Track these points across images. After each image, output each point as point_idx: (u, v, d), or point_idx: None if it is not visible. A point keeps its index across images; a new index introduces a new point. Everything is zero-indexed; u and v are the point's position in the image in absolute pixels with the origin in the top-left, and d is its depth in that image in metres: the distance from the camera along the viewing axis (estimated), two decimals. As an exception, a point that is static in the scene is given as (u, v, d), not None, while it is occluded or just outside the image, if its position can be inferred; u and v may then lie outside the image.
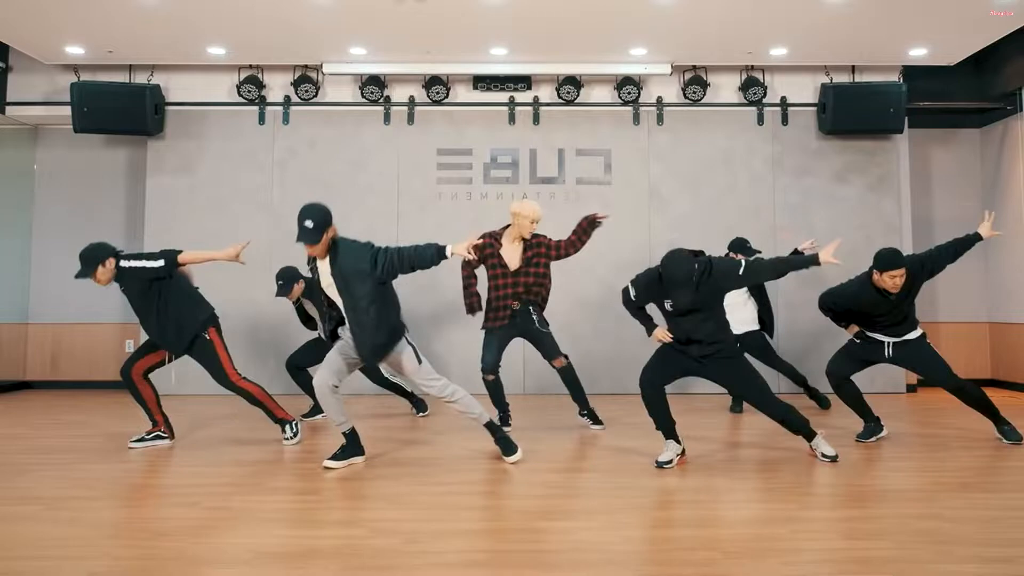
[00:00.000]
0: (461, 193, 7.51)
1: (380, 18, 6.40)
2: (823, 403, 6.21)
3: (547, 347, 5.25)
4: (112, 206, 7.87)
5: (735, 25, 6.61)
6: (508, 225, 5.28)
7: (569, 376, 5.33)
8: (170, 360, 4.87)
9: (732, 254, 5.94)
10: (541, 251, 5.22)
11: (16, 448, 4.90)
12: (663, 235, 7.37)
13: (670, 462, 4.18)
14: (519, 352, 7.13)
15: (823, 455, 4.27)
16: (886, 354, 4.90)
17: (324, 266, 4.05)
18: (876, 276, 4.57)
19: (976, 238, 4.78)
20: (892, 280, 4.51)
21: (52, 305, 7.74)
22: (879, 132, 7.49)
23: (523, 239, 5.21)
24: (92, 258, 4.50)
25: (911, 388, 7.49)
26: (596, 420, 5.43)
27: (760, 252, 6.07)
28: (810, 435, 4.28)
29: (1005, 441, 4.81)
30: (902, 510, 3.41)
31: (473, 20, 6.45)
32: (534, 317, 5.23)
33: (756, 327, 6.04)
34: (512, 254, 5.21)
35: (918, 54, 7.23)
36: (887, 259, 4.51)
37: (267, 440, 5.01)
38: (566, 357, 5.30)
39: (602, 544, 2.98)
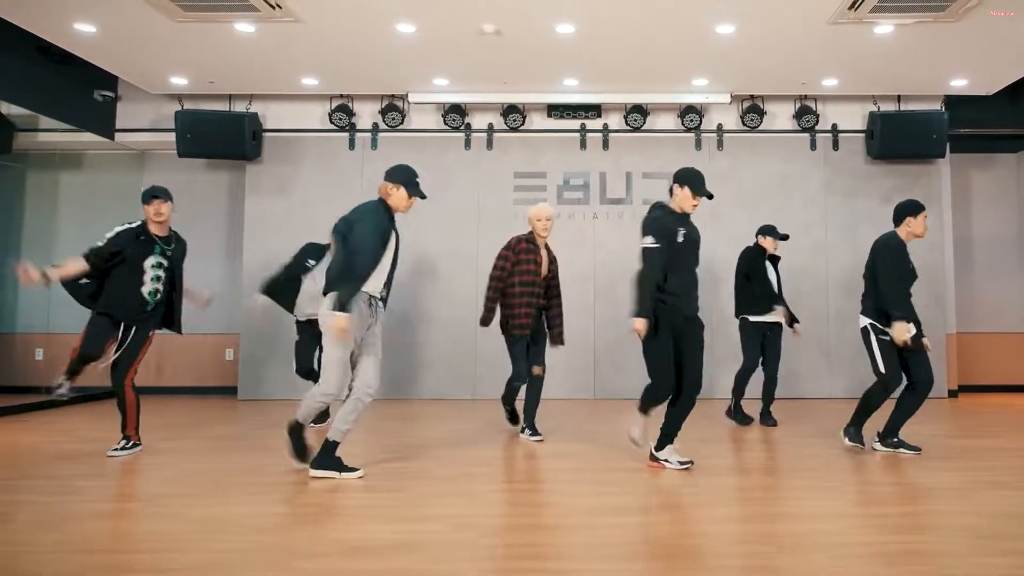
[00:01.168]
0: (536, 213, 8.12)
1: (462, 51, 6.87)
2: (745, 421, 6.21)
3: (540, 351, 5.43)
4: (213, 225, 8.46)
5: (790, 58, 7.05)
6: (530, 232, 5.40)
7: (537, 386, 5.43)
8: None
9: (762, 237, 6.26)
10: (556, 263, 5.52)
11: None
12: (723, 251, 7.91)
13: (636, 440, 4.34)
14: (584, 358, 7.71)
15: (667, 462, 4.34)
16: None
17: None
18: (911, 223, 4.81)
19: None
20: (926, 221, 4.86)
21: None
22: (923, 157, 8.04)
23: (547, 247, 5.42)
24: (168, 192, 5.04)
25: (952, 393, 8.06)
26: (535, 432, 5.39)
27: (788, 236, 6.38)
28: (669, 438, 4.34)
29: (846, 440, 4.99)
30: (943, 507, 3.59)
31: (547, 53, 6.91)
32: (543, 319, 5.47)
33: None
34: (543, 261, 5.38)
35: (958, 84, 7.72)
36: (915, 203, 4.89)
37: (347, 441, 5.14)
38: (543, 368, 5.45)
39: (663, 538, 3.15)
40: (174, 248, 5.03)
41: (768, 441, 5.47)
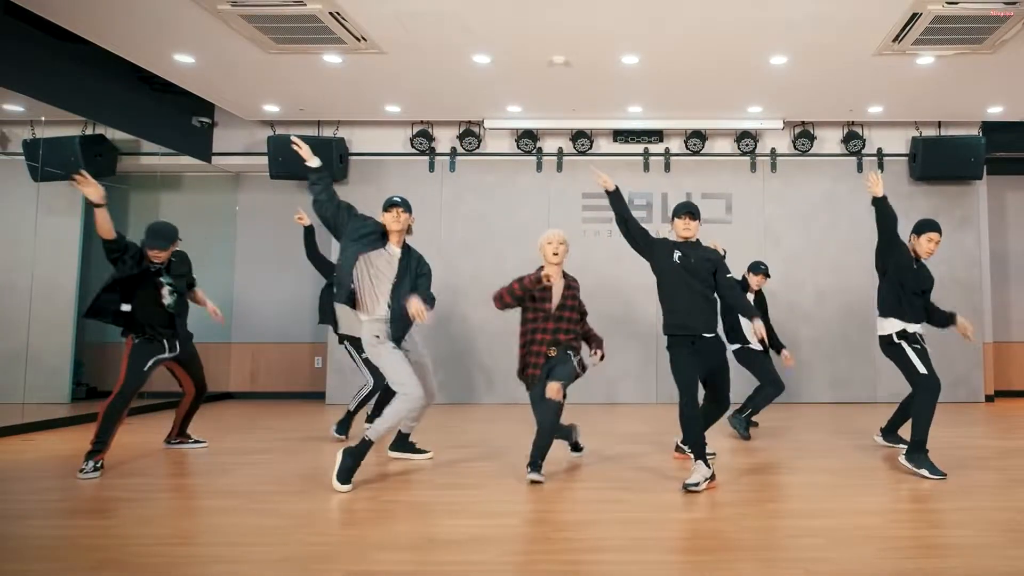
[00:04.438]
0: (603, 231, 8.63)
1: (533, 81, 7.24)
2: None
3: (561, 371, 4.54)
4: (302, 242, 8.99)
5: (838, 87, 7.39)
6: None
7: (549, 415, 4.61)
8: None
9: (750, 275, 6.31)
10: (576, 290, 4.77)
11: (220, 450, 5.44)
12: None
13: (697, 484, 4.06)
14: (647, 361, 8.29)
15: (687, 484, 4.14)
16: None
17: (395, 250, 4.44)
18: (914, 240, 4.74)
19: None
20: (929, 243, 4.69)
21: (251, 327, 8.89)
22: (962, 178, 8.56)
23: (564, 275, 4.70)
24: (171, 234, 4.89)
25: (989, 398, 8.60)
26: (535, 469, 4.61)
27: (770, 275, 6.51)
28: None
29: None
30: (981, 503, 3.75)
31: (613, 82, 7.24)
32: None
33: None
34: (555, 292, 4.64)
35: (995, 111, 8.13)
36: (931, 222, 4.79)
37: (422, 443, 5.28)
38: None
39: (721, 532, 3.29)
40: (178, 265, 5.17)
41: (813, 442, 5.72)
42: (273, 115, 8.48)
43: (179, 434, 5.53)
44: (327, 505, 3.80)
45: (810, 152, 8.64)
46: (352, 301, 4.39)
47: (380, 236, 4.42)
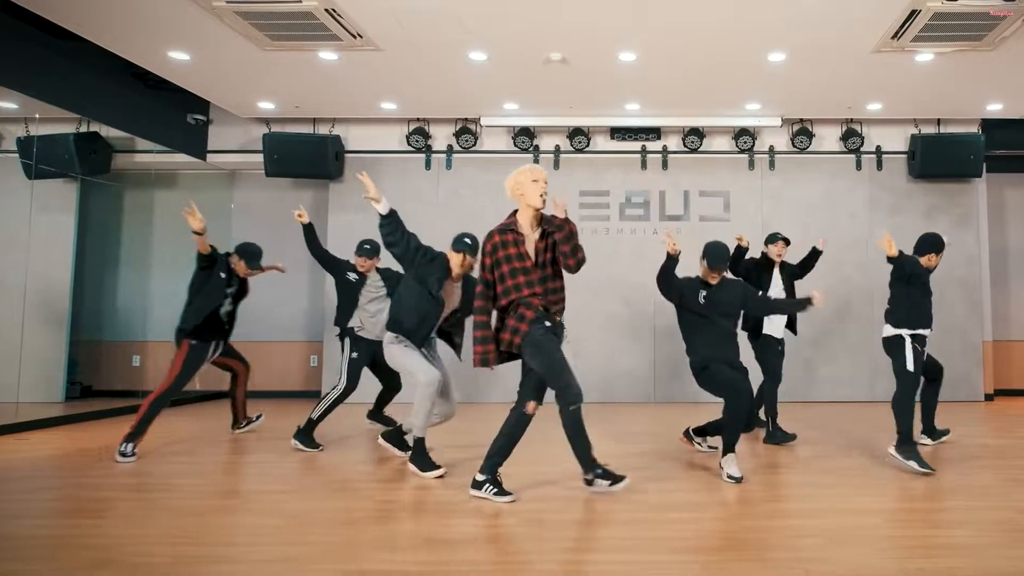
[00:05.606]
0: (600, 229, 8.63)
1: (530, 78, 7.21)
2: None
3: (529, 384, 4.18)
4: (298, 240, 8.48)
5: (836, 84, 7.38)
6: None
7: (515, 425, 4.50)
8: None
9: (769, 245, 6.07)
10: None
11: (216, 449, 5.43)
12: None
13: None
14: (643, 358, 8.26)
15: (729, 476, 4.34)
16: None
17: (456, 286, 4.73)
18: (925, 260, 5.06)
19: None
20: (930, 261, 5.11)
21: (247, 325, 8.74)
22: (961, 176, 8.53)
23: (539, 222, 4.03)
24: (261, 254, 5.62)
25: (988, 397, 8.56)
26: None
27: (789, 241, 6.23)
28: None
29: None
30: (981, 502, 3.75)
31: (610, 79, 7.23)
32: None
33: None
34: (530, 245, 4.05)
35: (994, 108, 8.13)
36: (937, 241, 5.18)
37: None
38: None
39: (724, 532, 3.32)
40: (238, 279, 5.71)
41: (809, 443, 5.65)
42: (268, 112, 8.45)
43: (244, 416, 6.10)
44: (324, 505, 3.79)
45: (808, 150, 8.63)
46: (403, 331, 4.60)
47: (445, 273, 4.59)
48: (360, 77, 7.27)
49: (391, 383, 6.30)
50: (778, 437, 5.66)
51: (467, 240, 4.61)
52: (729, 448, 4.45)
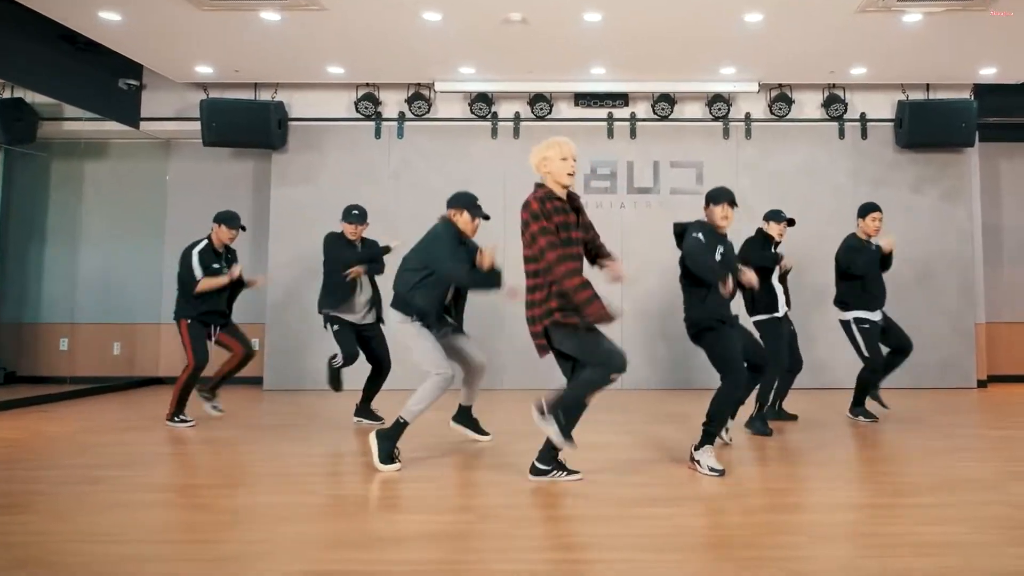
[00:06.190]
0: (563, 202, 8.08)
1: (488, 40, 6.86)
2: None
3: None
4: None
5: (818, 47, 7.02)
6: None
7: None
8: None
9: (771, 223, 5.68)
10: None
11: (148, 439, 5.17)
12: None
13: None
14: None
15: (711, 468, 4.02)
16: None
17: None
18: (860, 225, 5.59)
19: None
20: (875, 223, 5.61)
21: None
22: (952, 146, 8.04)
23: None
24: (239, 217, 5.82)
25: (981, 384, 8.04)
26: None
27: (794, 222, 5.87)
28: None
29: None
30: (972, 497, 3.56)
31: (574, 41, 6.89)
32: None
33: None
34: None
35: (988, 73, 7.70)
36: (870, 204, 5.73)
37: (371, 429, 5.07)
38: None
39: (698, 529, 3.18)
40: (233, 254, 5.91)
41: (793, 431, 5.43)
42: (206, 77, 7.96)
43: (214, 394, 5.89)
44: (264, 500, 3.64)
45: (788, 117, 8.13)
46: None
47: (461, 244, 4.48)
48: (305, 39, 6.92)
49: (381, 365, 5.85)
50: (757, 427, 5.31)
51: (478, 202, 4.55)
52: (708, 439, 4.13)
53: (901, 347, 5.77)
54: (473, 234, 4.54)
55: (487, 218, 4.59)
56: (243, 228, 5.85)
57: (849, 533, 3.11)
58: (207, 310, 5.56)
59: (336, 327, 5.64)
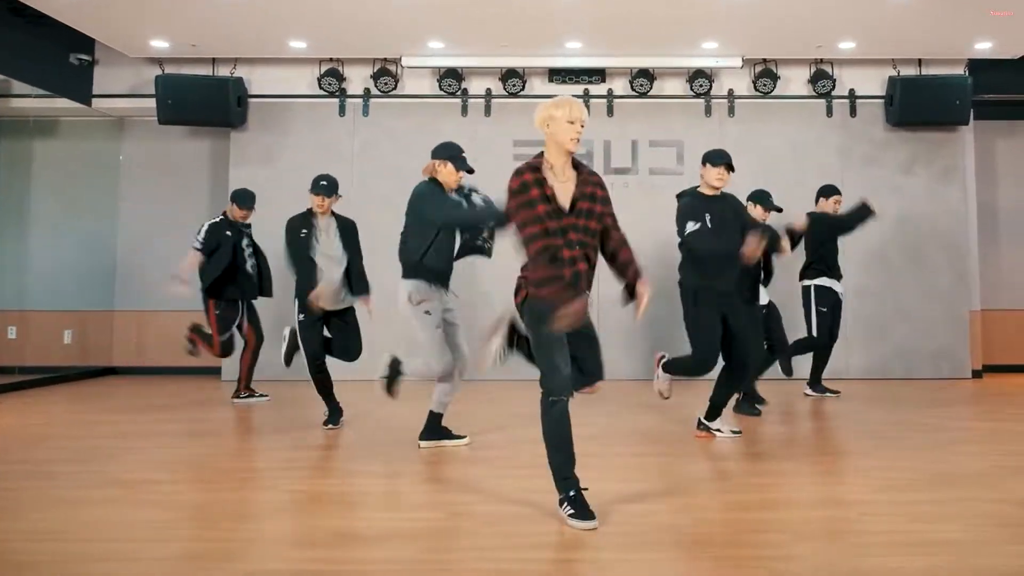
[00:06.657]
0: (537, 183, 7.71)
1: (457, 12, 6.60)
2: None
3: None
4: (195, 196, 8.11)
5: (804, 19, 6.78)
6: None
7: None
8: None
9: (752, 204, 5.59)
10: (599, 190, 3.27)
11: (102, 433, 5.02)
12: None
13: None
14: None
15: (719, 431, 4.66)
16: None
17: None
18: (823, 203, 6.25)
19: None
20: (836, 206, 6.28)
21: (137, 292, 7.95)
22: (945, 124, 7.72)
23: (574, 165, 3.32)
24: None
25: (976, 373, 7.70)
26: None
27: (781, 209, 5.75)
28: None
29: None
30: (967, 494, 3.45)
31: (548, 14, 6.62)
32: None
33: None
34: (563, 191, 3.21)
35: (983, 47, 7.41)
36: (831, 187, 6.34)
37: (344, 423, 5.14)
38: None
39: (677, 527, 3.05)
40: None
41: (782, 424, 5.30)
42: (162, 52, 7.63)
43: (246, 388, 6.13)
44: (223, 496, 3.54)
45: (773, 94, 7.82)
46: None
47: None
48: (265, 11, 6.68)
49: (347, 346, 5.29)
50: (744, 407, 5.49)
51: (464, 154, 4.52)
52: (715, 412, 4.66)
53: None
54: (455, 188, 4.42)
55: (471, 171, 4.47)
56: (251, 210, 6.11)
57: (835, 530, 3.00)
58: (231, 283, 5.88)
59: (302, 316, 5.10)
